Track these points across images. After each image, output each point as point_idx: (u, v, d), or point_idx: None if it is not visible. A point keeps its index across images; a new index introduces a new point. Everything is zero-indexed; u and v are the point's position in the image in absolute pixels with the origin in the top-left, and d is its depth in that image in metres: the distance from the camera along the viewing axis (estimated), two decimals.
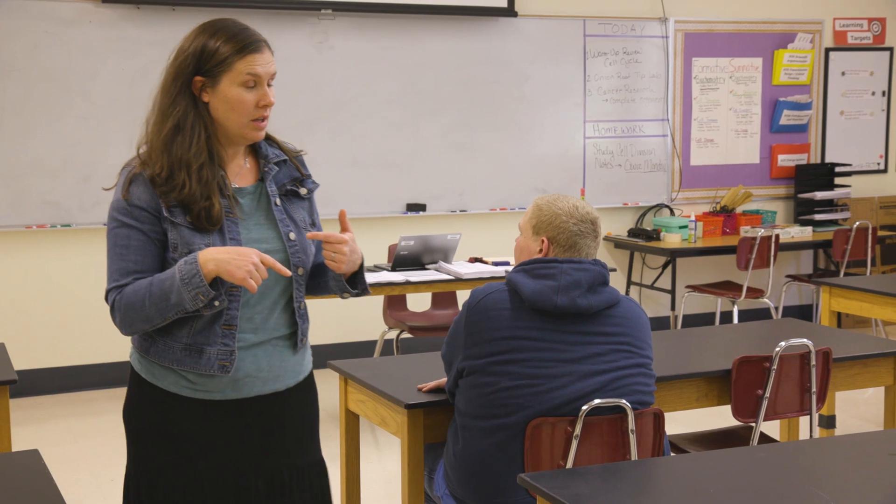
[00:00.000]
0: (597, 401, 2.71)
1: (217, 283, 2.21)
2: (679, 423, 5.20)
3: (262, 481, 2.37)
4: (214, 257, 2.17)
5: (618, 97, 7.37)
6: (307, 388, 2.48)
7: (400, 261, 5.42)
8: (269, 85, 2.32)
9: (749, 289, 6.95)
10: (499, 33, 6.95)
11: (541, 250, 2.86)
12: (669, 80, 7.50)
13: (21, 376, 5.95)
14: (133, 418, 2.39)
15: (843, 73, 8.12)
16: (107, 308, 2.31)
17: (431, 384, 3.11)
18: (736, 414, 3.43)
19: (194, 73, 2.27)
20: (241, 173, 2.38)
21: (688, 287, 7.17)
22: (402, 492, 3.13)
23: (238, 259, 2.16)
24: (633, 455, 2.80)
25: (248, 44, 2.28)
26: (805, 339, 3.43)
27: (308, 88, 6.52)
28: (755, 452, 2.60)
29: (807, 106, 7.95)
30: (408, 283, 5.20)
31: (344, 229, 2.40)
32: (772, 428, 4.41)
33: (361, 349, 6.64)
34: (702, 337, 4.10)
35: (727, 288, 7.08)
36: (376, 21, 6.63)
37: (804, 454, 2.60)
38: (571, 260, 2.80)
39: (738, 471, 2.42)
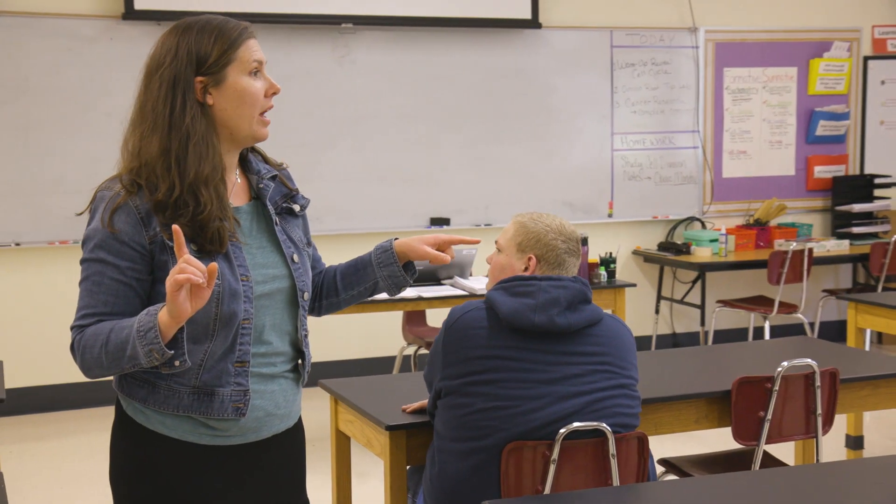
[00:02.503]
0: (575, 424, 2.63)
1: (180, 340, 1.94)
2: (698, 441, 5.08)
3: None
4: (167, 306, 1.88)
5: (646, 109, 7.26)
6: (301, 424, 2.32)
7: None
8: None
9: (782, 304, 6.78)
10: (523, 45, 6.87)
11: (526, 268, 2.78)
12: (700, 90, 7.36)
13: (51, 391, 6.00)
14: (136, 477, 2.09)
15: (882, 82, 7.91)
16: None
17: (415, 405, 3.04)
18: (736, 436, 3.31)
19: (194, 75, 2.04)
20: (234, 190, 2.16)
21: (719, 302, 7.02)
22: None
23: (171, 286, 1.85)
24: (615, 480, 2.70)
25: (242, 30, 2.09)
26: (809, 360, 3.31)
27: (330, 102, 6.50)
28: (739, 479, 2.49)
29: (844, 116, 7.76)
30: (420, 298, 5.14)
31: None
32: (786, 450, 4.28)
33: (381, 365, 6.59)
34: (707, 355, 3.98)
35: (759, 303, 6.91)
36: (398, 34, 6.60)
37: (799, 480, 2.49)
38: (551, 277, 2.72)
39: (716, 498, 2.32)
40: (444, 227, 6.74)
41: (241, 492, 2.14)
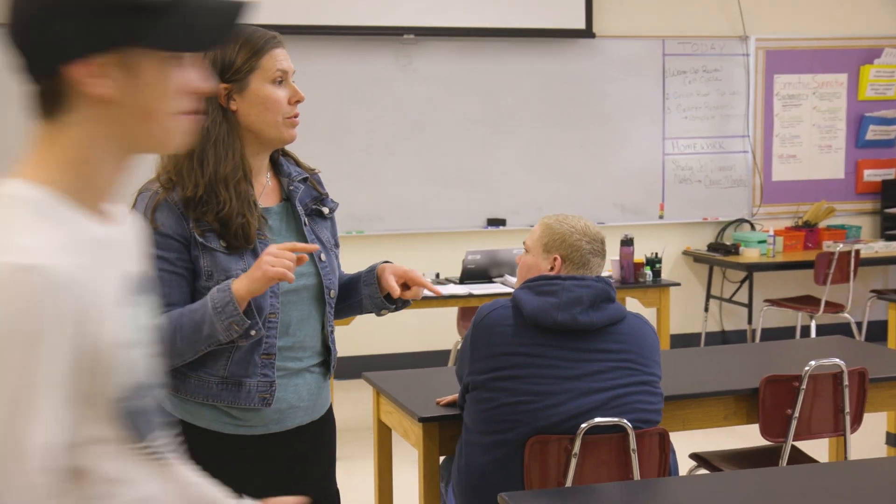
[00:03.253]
0: (597, 419, 2.55)
1: (251, 311, 1.96)
2: (738, 436, 4.94)
3: None
4: (243, 278, 1.93)
5: (697, 114, 7.09)
6: (331, 416, 2.28)
7: (467, 274, 5.32)
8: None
9: (828, 303, 6.58)
10: (577, 54, 6.77)
11: (552, 268, 2.72)
12: (750, 96, 7.17)
13: None
14: None
15: None
16: None
17: (448, 398, 2.99)
18: (764, 433, 3.20)
19: (218, 81, 2.03)
20: (265, 192, 2.14)
21: (766, 301, 6.83)
22: (419, 501, 3.02)
23: (258, 265, 1.90)
24: (636, 475, 2.62)
25: (268, 40, 2.06)
26: (837, 359, 3.18)
27: (393, 109, 6.48)
28: (757, 475, 2.39)
29: (894, 121, 7.50)
30: (471, 295, 5.09)
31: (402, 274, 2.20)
32: (820, 447, 4.14)
33: (438, 358, 6.55)
34: (741, 353, 3.86)
35: (806, 302, 6.71)
36: (457, 44, 6.55)
37: (818, 476, 2.38)
38: (574, 277, 2.65)
39: (730, 494, 2.23)
40: (500, 227, 6.68)
41: (265, 481, 2.10)
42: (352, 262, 6.87)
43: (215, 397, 2.05)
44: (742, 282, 7.13)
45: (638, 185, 6.98)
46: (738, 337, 7.26)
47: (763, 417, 3.18)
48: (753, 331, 6.92)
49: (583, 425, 2.54)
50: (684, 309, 7.20)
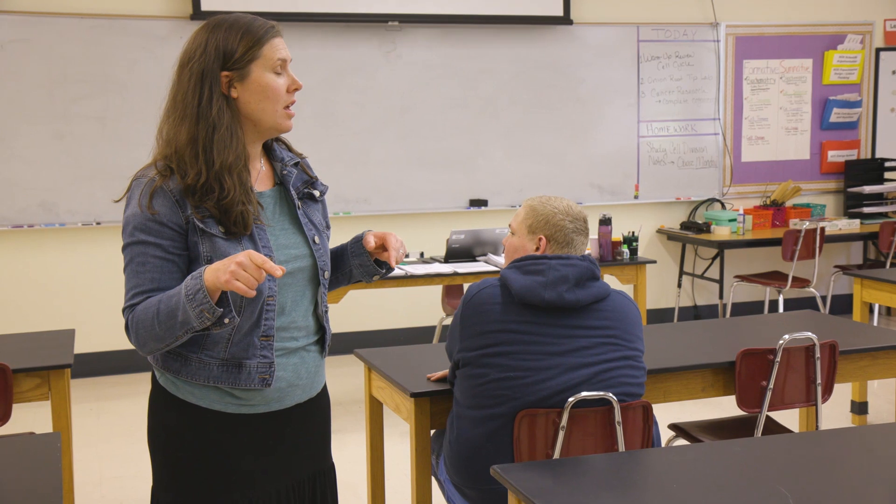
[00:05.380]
0: (583, 393, 2.54)
1: (226, 300, 1.89)
2: (713, 407, 4.96)
3: (298, 489, 2.15)
4: (212, 268, 1.86)
5: (671, 98, 7.08)
6: (326, 393, 2.25)
7: (452, 253, 5.29)
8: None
9: (795, 279, 6.61)
10: (555, 40, 6.73)
11: (537, 248, 2.70)
12: (721, 81, 7.16)
13: (120, 356, 6.04)
14: (171, 443, 2.06)
15: (893, 72, 7.63)
16: None
17: (438, 374, 2.97)
18: (740, 404, 3.20)
19: (220, 69, 1.98)
20: (259, 177, 2.10)
21: (736, 277, 6.85)
22: (410, 474, 3.00)
23: (225, 262, 1.84)
24: (621, 446, 2.61)
25: (268, 29, 2.02)
26: (809, 333, 3.18)
27: (377, 94, 6.43)
28: (735, 445, 2.39)
29: (857, 104, 7.51)
30: (456, 273, 5.07)
31: (381, 236, 2.21)
32: (790, 416, 4.16)
33: (424, 334, 6.54)
34: (717, 328, 3.86)
35: (774, 278, 6.73)
36: (440, 31, 6.50)
37: (794, 445, 2.38)
38: (560, 256, 2.63)
39: (710, 463, 2.22)
40: (483, 208, 6.65)
41: (267, 457, 2.09)
42: (339, 241, 6.91)
43: (217, 379, 2.01)
44: (713, 259, 7.14)
45: (614, 167, 6.97)
46: (709, 312, 7.28)
47: (739, 389, 3.18)
48: (724, 305, 6.94)
49: (570, 399, 2.53)
50: (659, 285, 7.21)
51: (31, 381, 3.30)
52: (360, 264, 2.24)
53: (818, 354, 3.19)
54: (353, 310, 6.37)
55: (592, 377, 2.57)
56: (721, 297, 6.87)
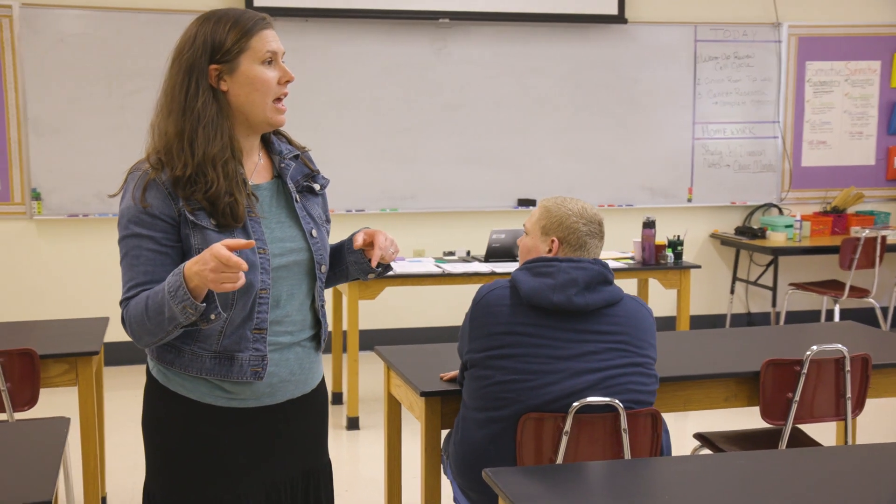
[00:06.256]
0: (588, 398, 2.50)
1: (211, 296, 1.91)
2: (754, 416, 4.84)
3: (290, 486, 2.15)
4: (194, 269, 1.84)
5: (728, 100, 6.93)
6: (323, 389, 2.25)
7: (492, 252, 5.26)
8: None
9: (853, 288, 6.42)
10: (609, 39, 6.65)
11: (550, 250, 2.66)
12: (781, 83, 6.99)
13: None
14: (160, 433, 2.08)
15: None
16: None
17: (450, 374, 2.96)
18: (764, 416, 3.12)
19: (209, 62, 1.99)
20: (256, 170, 2.11)
21: (791, 285, 6.68)
22: (420, 472, 2.99)
23: (203, 270, 1.81)
24: (627, 454, 2.56)
25: (257, 21, 2.02)
26: (839, 345, 3.08)
27: (427, 91, 6.43)
28: (737, 459, 2.32)
29: None
30: (493, 273, 5.04)
31: (371, 234, 2.20)
32: (826, 430, 4.03)
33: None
34: (747, 336, 3.75)
35: (831, 287, 6.55)
36: (492, 28, 6.47)
37: (800, 461, 2.31)
38: (571, 259, 2.59)
39: (710, 475, 2.16)
40: (530, 207, 6.60)
41: (257, 452, 2.09)
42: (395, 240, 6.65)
43: (209, 371, 2.02)
44: (768, 265, 6.98)
45: (667, 169, 6.86)
46: (763, 319, 7.12)
47: (763, 400, 3.09)
48: (777, 313, 6.78)
49: (574, 404, 2.49)
50: (711, 291, 7.08)
51: (59, 367, 3.38)
52: (355, 261, 2.24)
53: (848, 367, 3.09)
54: (390, 307, 6.39)
55: (599, 383, 2.52)
56: (774, 304, 6.70)
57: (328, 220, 2.22)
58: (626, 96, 6.72)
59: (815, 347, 3.06)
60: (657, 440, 2.61)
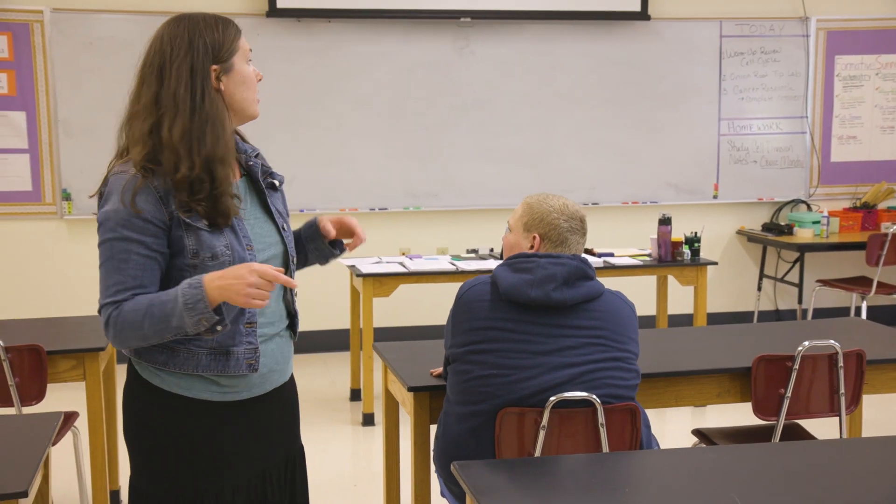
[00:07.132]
0: (566, 393, 2.52)
1: (220, 308, 1.99)
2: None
3: (278, 470, 2.23)
4: (219, 284, 1.94)
5: (754, 96, 6.87)
6: (293, 378, 2.32)
7: None
8: None
9: (881, 284, 6.33)
10: (633, 36, 6.63)
11: (532, 246, 2.69)
12: (809, 77, 6.91)
13: None
14: (152, 432, 2.11)
15: None
16: None
17: (439, 369, 3.00)
18: (756, 411, 3.11)
19: (211, 63, 2.05)
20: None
21: (818, 281, 6.61)
22: (410, 467, 3.04)
23: (236, 284, 1.93)
24: (605, 449, 2.58)
25: (235, 23, 2.13)
26: (832, 340, 3.07)
27: (449, 89, 6.47)
28: (709, 453, 2.33)
29: None
30: None
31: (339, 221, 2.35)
32: (831, 427, 3.99)
33: None
34: (746, 332, 3.73)
35: (858, 283, 6.46)
36: (513, 27, 6.49)
37: (778, 455, 2.31)
38: (550, 255, 2.61)
39: (679, 468, 2.18)
40: None
41: (247, 442, 2.17)
42: (407, 236, 6.86)
43: (205, 367, 2.07)
44: (794, 262, 6.90)
45: (692, 166, 6.82)
46: (790, 316, 7.05)
47: (755, 396, 3.09)
48: (805, 310, 6.70)
49: (551, 399, 2.52)
50: (739, 287, 7.03)
51: (66, 363, 3.48)
52: (316, 248, 2.34)
53: (840, 363, 3.07)
54: (405, 304, 6.43)
55: (577, 377, 2.55)
56: (800, 301, 6.63)
57: (288, 214, 2.30)
58: (649, 93, 6.70)
59: (806, 343, 3.05)
60: (636, 435, 2.62)
